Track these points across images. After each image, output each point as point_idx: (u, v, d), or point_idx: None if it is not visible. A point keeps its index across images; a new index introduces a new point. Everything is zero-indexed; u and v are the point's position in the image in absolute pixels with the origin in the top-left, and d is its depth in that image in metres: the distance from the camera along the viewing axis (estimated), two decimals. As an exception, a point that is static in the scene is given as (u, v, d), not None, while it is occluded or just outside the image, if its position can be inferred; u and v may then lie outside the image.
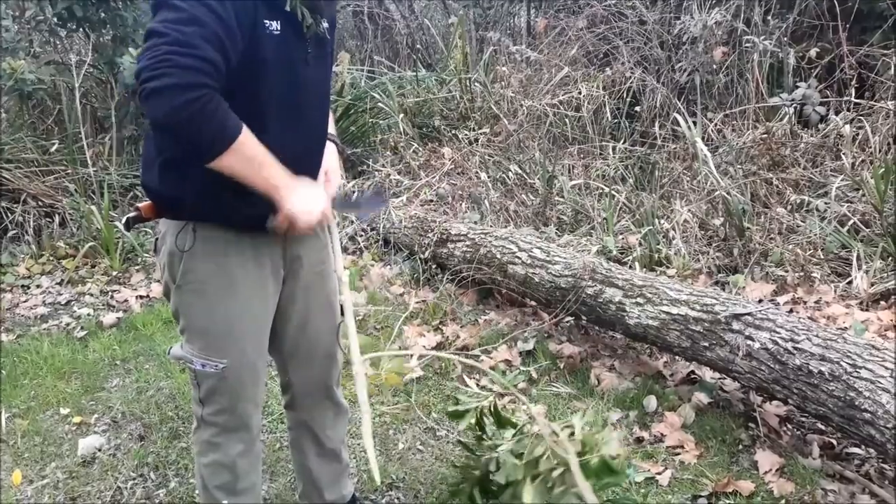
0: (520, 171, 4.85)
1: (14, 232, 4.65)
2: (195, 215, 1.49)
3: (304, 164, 1.62)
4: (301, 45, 1.52)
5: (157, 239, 1.67)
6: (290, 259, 1.71)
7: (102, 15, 5.18)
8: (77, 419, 2.84)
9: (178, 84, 1.26)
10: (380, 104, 5.81)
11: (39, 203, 4.79)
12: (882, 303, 3.19)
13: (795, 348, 2.29)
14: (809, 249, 3.57)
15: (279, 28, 1.44)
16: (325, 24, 1.59)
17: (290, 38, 1.47)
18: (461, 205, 4.76)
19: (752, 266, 3.56)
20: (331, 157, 1.80)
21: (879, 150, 3.89)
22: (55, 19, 5.26)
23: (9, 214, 4.66)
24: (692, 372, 2.89)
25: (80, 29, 5.33)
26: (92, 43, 5.38)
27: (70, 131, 5.04)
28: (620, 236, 4.06)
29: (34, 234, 4.66)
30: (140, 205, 1.63)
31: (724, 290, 3.41)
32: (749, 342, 2.41)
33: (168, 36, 1.27)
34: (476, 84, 5.86)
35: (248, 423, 1.74)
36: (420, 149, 5.47)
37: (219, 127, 1.33)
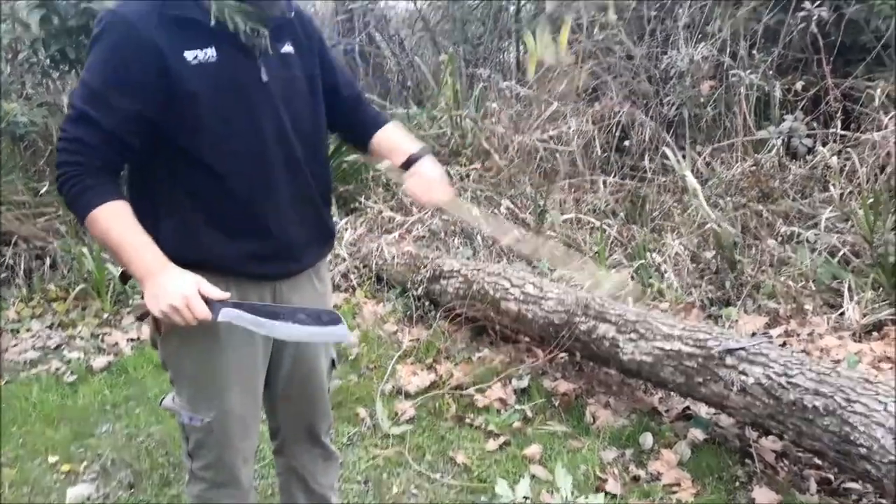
0: (511, 206, 4.86)
1: (4, 275, 4.63)
2: (173, 260, 1.46)
3: (271, 190, 1.55)
4: (251, 67, 1.49)
5: None
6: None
7: (95, 57, 5.21)
8: (66, 467, 2.79)
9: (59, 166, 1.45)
10: (371, 141, 5.82)
11: (30, 245, 4.76)
12: (874, 333, 3.19)
13: (789, 383, 2.28)
14: (801, 281, 3.58)
15: (215, 55, 1.43)
16: (289, 48, 1.56)
17: (235, 61, 1.46)
18: (454, 240, 4.76)
19: (744, 298, 3.56)
20: (433, 166, 1.76)
21: (867, 181, 3.91)
22: (48, 61, 5.29)
23: (-1, 257, 4.64)
24: (687, 407, 2.87)
25: (73, 70, 5.35)
26: (84, 85, 5.41)
27: (62, 173, 5.04)
28: (613, 270, 4.06)
29: (25, 277, 4.63)
30: None
31: (717, 323, 3.41)
32: (743, 377, 2.40)
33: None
34: (467, 120, 5.90)
35: (238, 477, 1.70)
36: (412, 185, 5.47)
37: (71, 202, 1.45)
